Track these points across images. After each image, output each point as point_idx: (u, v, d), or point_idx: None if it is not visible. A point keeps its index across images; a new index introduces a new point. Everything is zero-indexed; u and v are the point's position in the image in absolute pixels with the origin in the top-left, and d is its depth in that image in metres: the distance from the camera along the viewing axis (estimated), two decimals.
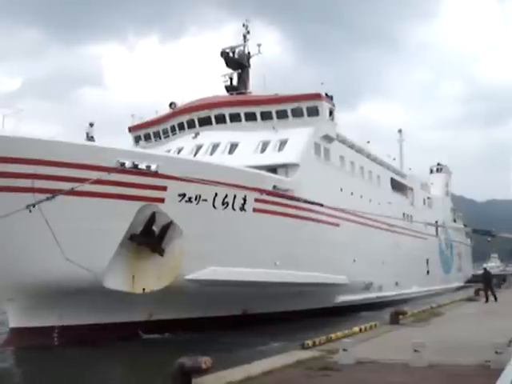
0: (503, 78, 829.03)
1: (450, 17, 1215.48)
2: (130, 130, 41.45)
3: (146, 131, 40.63)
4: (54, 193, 21.55)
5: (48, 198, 21.27)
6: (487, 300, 32.26)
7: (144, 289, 24.22)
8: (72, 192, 21.83)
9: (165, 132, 39.63)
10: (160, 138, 39.78)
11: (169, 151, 35.51)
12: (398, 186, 52.42)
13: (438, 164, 79.47)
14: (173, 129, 39.04)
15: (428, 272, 59.95)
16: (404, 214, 52.15)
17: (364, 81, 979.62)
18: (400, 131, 72.72)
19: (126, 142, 40.72)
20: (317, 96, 36.41)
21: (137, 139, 40.89)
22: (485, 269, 39.05)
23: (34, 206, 21.23)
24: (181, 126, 38.47)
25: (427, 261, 59.87)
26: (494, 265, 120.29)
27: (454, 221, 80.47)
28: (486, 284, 33.93)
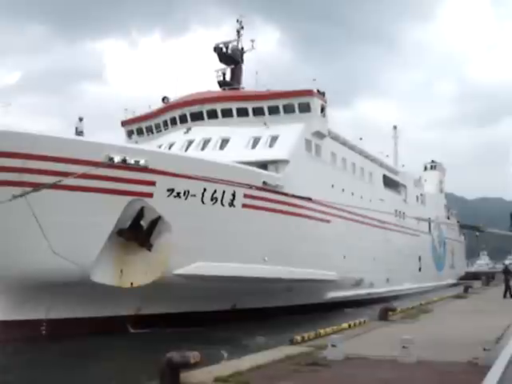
0: (495, 78, 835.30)
1: (446, 19, 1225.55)
2: (123, 124, 41.29)
3: (139, 125, 40.46)
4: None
5: (34, 190, 21.09)
6: (505, 296, 32.71)
7: (132, 283, 24.14)
8: (60, 186, 21.69)
9: (157, 126, 39.47)
10: (152, 133, 39.61)
11: (160, 146, 35.45)
12: (390, 183, 52.40)
13: (432, 161, 79.39)
14: (165, 123, 38.89)
15: (420, 269, 60.03)
16: (396, 210, 52.19)
17: (361, 79, 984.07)
18: (395, 128, 72.88)
19: (121, 136, 40.71)
20: (308, 92, 36.30)
21: (129, 133, 40.71)
22: (506, 266, 39.18)
23: (20, 196, 21.08)
24: (173, 121, 38.32)
25: (419, 258, 59.96)
26: (483, 262, 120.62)
27: (448, 218, 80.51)
28: (507, 280, 34.33)
